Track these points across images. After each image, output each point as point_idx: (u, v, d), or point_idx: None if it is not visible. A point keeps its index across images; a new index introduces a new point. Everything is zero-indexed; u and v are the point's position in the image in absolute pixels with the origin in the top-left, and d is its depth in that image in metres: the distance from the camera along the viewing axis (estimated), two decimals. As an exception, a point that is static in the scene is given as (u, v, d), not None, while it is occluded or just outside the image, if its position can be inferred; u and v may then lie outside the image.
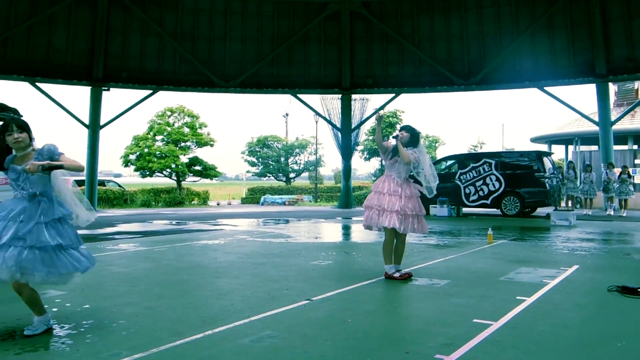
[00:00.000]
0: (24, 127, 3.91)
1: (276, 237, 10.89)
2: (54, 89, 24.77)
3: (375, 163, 41.26)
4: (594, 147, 26.79)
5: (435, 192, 6.11)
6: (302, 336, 3.81)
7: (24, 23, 19.15)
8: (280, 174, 48.74)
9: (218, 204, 32.75)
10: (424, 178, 6.04)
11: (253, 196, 40.48)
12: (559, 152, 34.41)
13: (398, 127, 6.90)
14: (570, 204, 18.08)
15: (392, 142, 6.06)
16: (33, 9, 19.32)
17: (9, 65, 19.29)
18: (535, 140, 32.26)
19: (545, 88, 20.18)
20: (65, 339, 3.73)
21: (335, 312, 4.54)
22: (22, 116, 8.87)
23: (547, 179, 16.40)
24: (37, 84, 19.83)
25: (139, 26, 21.05)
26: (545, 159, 17.06)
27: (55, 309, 4.53)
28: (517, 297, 5.00)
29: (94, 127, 20.90)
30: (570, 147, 30.03)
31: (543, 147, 30.83)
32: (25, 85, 19.66)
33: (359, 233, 12.21)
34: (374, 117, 6.42)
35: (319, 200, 37.30)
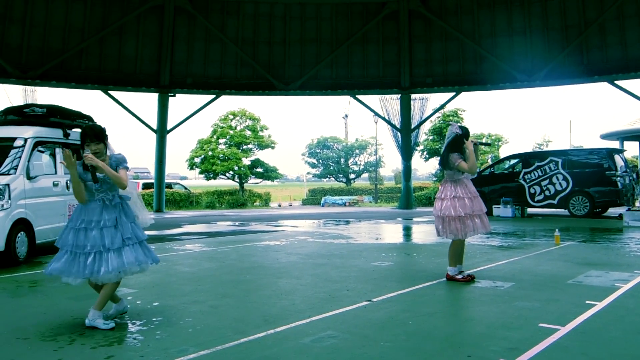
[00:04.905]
0: (100, 137, 4.19)
1: (337, 238, 10.96)
2: (124, 96, 26.11)
3: (435, 163, 40.50)
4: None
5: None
6: (362, 337, 3.84)
7: (97, 34, 20.22)
8: (341, 175, 48.88)
9: (279, 206, 33.23)
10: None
11: (314, 197, 40.82)
12: (632, 149, 32.58)
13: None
14: (645, 204, 17.09)
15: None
16: (105, 21, 20.37)
17: (84, 75, 20.43)
18: (605, 137, 30.69)
19: (616, 82, 19.18)
20: (136, 334, 3.94)
21: (396, 314, 4.54)
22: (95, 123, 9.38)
23: (619, 178, 15.64)
24: (110, 92, 20.90)
25: (203, 33, 21.74)
26: (616, 157, 16.28)
27: (128, 306, 4.77)
28: (587, 302, 4.81)
29: (162, 131, 21.78)
30: (646, 144, 28.38)
31: (615, 144, 29.31)
32: (98, 94, 20.74)
33: (419, 234, 12.08)
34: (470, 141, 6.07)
35: (379, 201, 37.10)
